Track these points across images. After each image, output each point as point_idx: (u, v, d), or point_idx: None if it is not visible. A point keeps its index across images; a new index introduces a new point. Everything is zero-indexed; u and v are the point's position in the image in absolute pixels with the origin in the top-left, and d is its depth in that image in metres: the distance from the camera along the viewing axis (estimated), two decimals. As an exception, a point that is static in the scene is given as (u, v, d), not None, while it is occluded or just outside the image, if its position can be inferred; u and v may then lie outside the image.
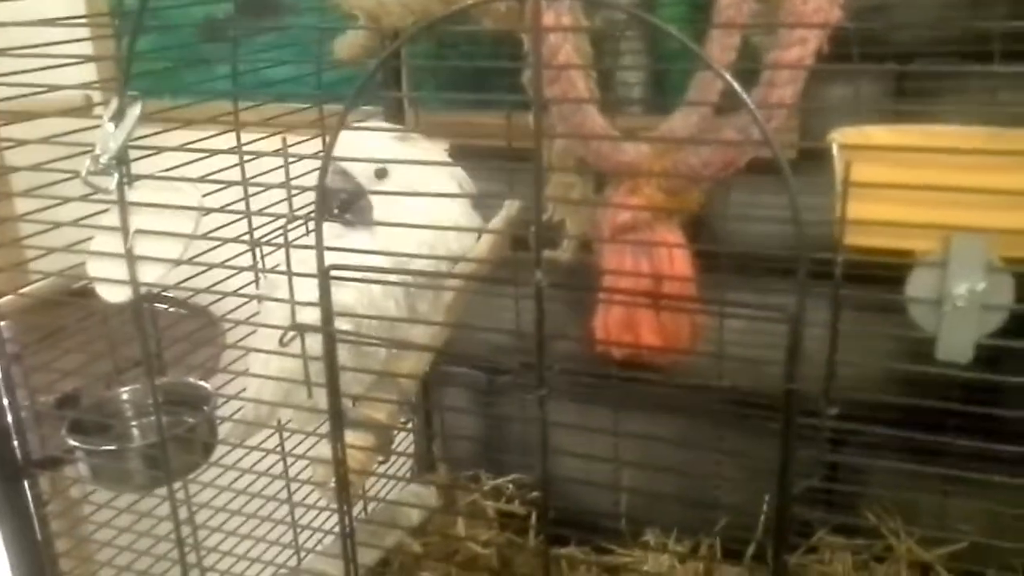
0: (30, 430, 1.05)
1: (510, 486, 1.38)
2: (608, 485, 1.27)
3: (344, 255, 0.75)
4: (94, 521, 1.07)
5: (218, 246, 0.87)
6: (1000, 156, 0.62)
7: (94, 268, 0.89)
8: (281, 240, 0.84)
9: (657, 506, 1.33)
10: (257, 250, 0.98)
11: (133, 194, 0.84)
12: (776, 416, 0.65)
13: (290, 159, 0.91)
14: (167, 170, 0.86)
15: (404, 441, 1.41)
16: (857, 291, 0.63)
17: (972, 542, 1.08)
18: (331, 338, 0.77)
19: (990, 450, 0.67)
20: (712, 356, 1.03)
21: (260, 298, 0.96)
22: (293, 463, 1.02)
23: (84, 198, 0.84)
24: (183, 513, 0.97)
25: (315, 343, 0.80)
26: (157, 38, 1.30)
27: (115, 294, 0.88)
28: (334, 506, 0.84)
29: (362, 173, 0.92)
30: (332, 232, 0.83)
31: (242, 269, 0.90)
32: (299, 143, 1.00)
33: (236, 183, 0.97)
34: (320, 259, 0.73)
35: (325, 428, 0.82)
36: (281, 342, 0.86)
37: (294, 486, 1.01)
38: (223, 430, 1.08)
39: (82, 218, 0.87)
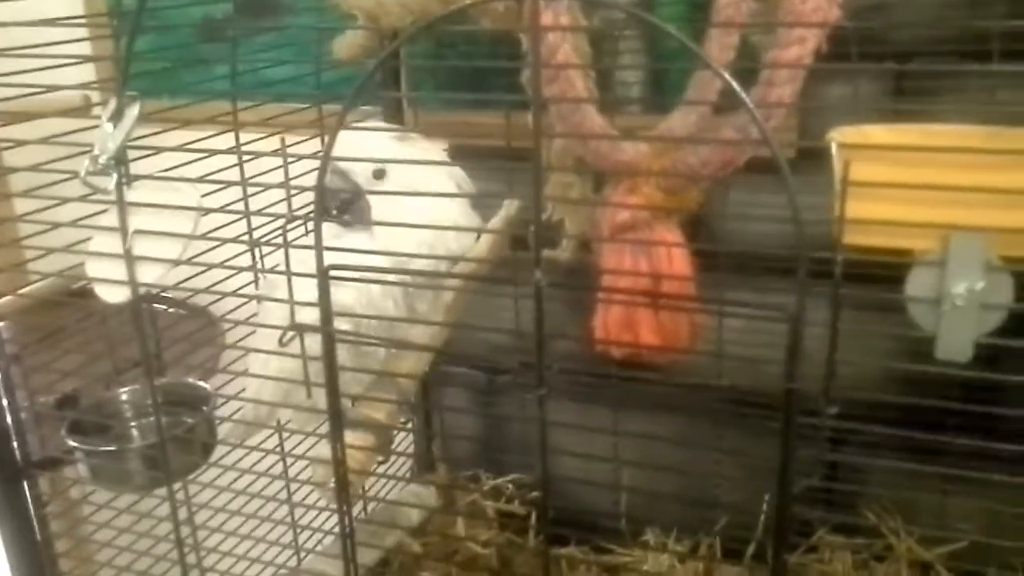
0: (30, 431, 1.06)
1: (510, 486, 1.38)
2: (608, 485, 1.26)
3: (343, 255, 0.75)
4: (94, 522, 1.07)
5: (217, 246, 0.87)
6: (999, 155, 0.62)
7: (93, 268, 0.89)
8: (280, 240, 0.84)
9: (657, 505, 1.33)
10: (256, 250, 0.98)
11: (132, 194, 0.83)
12: (776, 415, 0.65)
13: (289, 159, 0.91)
14: (166, 170, 0.86)
15: (404, 441, 1.41)
16: (856, 290, 0.63)
17: (972, 541, 1.08)
18: (330, 338, 0.77)
19: (990, 449, 0.67)
20: (712, 355, 1.03)
21: (259, 298, 0.96)
22: (293, 463, 1.02)
23: (83, 198, 0.84)
24: (183, 514, 0.97)
25: (314, 343, 0.79)
26: (156, 38, 1.30)
27: (114, 294, 0.88)
28: (334, 506, 0.84)
29: (361, 173, 0.91)
30: (331, 232, 0.83)
31: (241, 269, 0.90)
32: (298, 143, 1.00)
33: (235, 183, 0.97)
34: (319, 259, 0.73)
35: (324, 428, 0.82)
36: (280, 342, 0.86)
37: (294, 486, 1.01)
38: (223, 430, 1.08)
39: (81, 218, 0.87)
